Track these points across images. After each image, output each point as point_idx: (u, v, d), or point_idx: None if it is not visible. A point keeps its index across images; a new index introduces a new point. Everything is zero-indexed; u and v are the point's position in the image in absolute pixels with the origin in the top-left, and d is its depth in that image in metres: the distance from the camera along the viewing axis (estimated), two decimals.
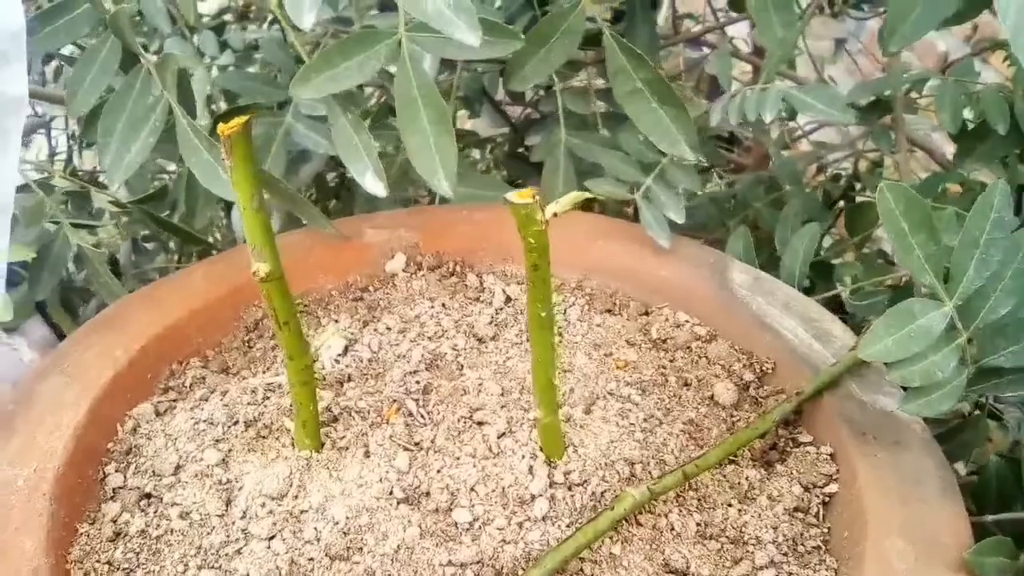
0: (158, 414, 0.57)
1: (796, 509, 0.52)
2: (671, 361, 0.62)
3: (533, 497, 0.50)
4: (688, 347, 0.63)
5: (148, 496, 0.52)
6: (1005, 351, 0.49)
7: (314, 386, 0.51)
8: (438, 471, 0.52)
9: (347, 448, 0.54)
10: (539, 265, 0.43)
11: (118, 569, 0.48)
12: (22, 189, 0.61)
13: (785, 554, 0.49)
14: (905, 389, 0.49)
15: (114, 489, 0.53)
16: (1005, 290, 0.48)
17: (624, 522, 0.50)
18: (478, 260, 0.71)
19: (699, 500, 0.52)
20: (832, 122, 0.60)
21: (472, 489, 0.51)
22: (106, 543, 0.49)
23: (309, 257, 0.69)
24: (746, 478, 0.54)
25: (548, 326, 0.46)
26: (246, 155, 0.44)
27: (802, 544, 0.50)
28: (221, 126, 0.43)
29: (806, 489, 0.53)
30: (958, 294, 0.48)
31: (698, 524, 0.51)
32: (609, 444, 0.53)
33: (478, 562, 0.47)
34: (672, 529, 0.50)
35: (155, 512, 0.51)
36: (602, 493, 0.50)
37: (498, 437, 0.54)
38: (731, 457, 0.55)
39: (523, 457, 0.52)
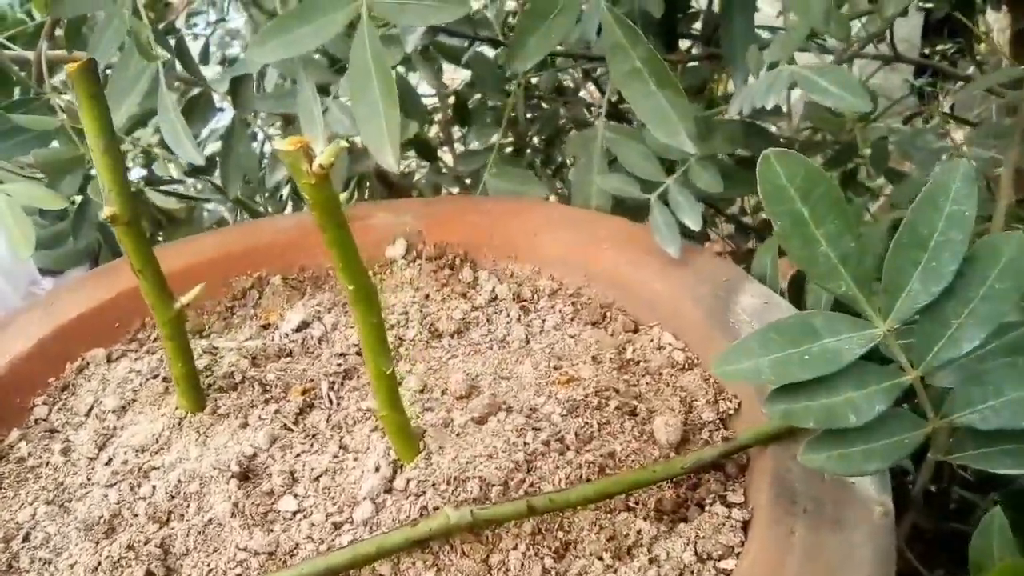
0: (109, 360, 0.59)
1: None
2: (631, 386, 0.52)
3: (361, 499, 0.44)
4: (659, 373, 0.53)
5: (54, 431, 0.53)
6: (982, 406, 0.34)
7: (183, 342, 0.49)
8: (297, 455, 0.48)
9: (226, 416, 0.51)
10: (325, 227, 0.38)
11: None
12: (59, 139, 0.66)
13: None
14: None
15: (36, 420, 0.55)
16: (976, 316, 0.33)
17: (447, 547, 0.42)
18: (482, 255, 0.65)
19: (562, 544, 0.42)
20: (848, 107, 0.47)
21: (316, 479, 0.46)
22: None
23: (315, 235, 0.68)
24: (637, 531, 0.43)
25: (365, 301, 0.41)
26: (92, 94, 0.43)
27: None
28: (68, 65, 0.43)
29: (700, 559, 0.41)
30: (895, 313, 0.34)
31: (545, 571, 0.41)
32: (473, 458, 0.45)
33: (269, 554, 0.42)
34: (506, 570, 0.41)
35: (45, 446, 0.52)
36: (434, 509, 0.43)
37: (371, 431, 0.48)
38: (631, 503, 0.44)
39: (376, 456, 0.46)
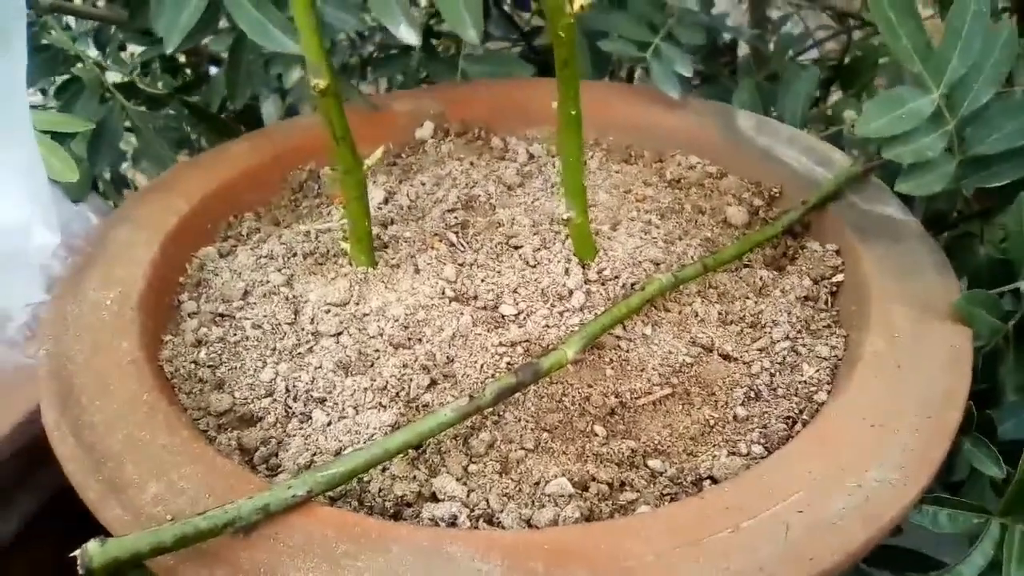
0: (221, 255, 0.63)
1: (806, 298, 0.57)
2: (686, 196, 0.68)
3: (570, 291, 0.56)
4: (701, 184, 0.69)
5: (222, 315, 0.57)
6: (989, 139, 0.54)
7: (367, 202, 0.56)
8: (483, 280, 0.58)
9: (399, 266, 0.59)
10: (569, 61, 0.49)
11: (203, 366, 0.53)
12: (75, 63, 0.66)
13: (799, 331, 0.55)
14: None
15: (189, 313, 0.58)
16: (986, 79, 0.53)
17: (653, 308, 0.55)
18: (501, 125, 0.76)
19: (719, 295, 0.58)
20: None
21: (515, 291, 0.57)
22: (190, 348, 0.54)
23: None
24: (760, 278, 0.59)
25: (576, 126, 0.52)
26: None
27: (814, 323, 0.56)
28: None
29: (815, 282, 0.59)
30: (944, 83, 0.53)
31: (719, 312, 0.56)
32: (635, 249, 0.59)
33: (526, 341, 0.53)
34: (696, 316, 0.56)
35: (230, 325, 0.56)
36: (632, 285, 0.56)
37: (534, 251, 0.59)
38: (745, 263, 0.60)
39: (559, 263, 0.58)
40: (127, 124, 0.77)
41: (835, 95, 0.94)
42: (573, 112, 0.51)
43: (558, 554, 0.39)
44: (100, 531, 0.41)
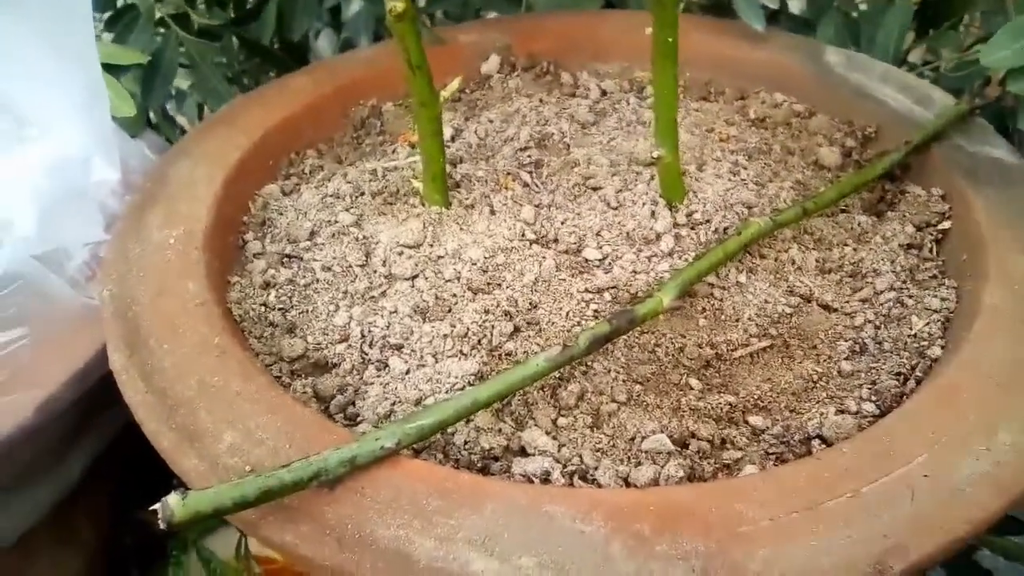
0: (284, 193, 0.60)
1: (910, 246, 0.54)
2: (773, 136, 0.63)
3: (658, 235, 0.52)
4: (788, 123, 0.65)
5: (288, 256, 0.55)
6: None
7: (442, 139, 0.53)
8: (562, 222, 0.54)
9: (473, 206, 0.56)
10: None
11: (273, 309, 0.51)
12: None
13: (904, 282, 0.51)
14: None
15: (255, 254, 0.55)
16: None
17: (748, 255, 0.52)
18: (571, 60, 0.72)
19: (816, 241, 0.54)
20: None
21: (598, 234, 0.53)
22: (259, 290, 0.52)
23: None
24: (859, 224, 0.55)
25: (672, 56, 0.48)
26: None
27: (919, 273, 0.52)
28: None
29: (919, 228, 0.55)
30: None
31: (817, 260, 0.53)
32: (726, 191, 0.55)
33: (613, 287, 0.50)
34: (793, 263, 0.52)
35: (299, 267, 0.54)
36: (724, 229, 0.52)
37: (616, 192, 0.56)
38: (842, 207, 0.57)
39: (643, 205, 0.54)
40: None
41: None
42: (670, 39, 0.47)
43: (666, 516, 0.36)
44: (160, 478, 0.39)
